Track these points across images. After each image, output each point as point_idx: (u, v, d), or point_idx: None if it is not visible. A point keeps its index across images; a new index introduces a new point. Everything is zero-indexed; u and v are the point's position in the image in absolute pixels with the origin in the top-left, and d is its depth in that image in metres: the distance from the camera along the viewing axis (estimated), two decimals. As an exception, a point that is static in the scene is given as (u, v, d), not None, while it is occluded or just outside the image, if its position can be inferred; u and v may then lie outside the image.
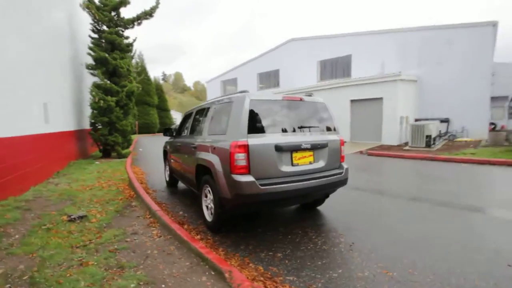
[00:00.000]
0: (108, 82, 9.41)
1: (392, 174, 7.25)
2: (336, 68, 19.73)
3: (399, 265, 2.51)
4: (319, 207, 4.20)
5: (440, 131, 13.99)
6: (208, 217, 3.48)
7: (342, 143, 3.65)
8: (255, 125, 2.98)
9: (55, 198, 4.76)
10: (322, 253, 2.81)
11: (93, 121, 9.27)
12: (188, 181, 4.33)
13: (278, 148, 3.00)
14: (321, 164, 3.34)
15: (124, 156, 10.24)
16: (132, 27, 9.76)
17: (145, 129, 26.47)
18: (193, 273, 2.35)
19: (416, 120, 15.15)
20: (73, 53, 9.03)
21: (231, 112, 3.12)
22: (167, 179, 5.99)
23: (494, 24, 14.08)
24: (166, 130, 5.51)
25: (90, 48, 9.12)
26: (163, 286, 2.17)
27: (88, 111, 9.59)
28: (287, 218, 3.88)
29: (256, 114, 3.02)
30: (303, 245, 2.99)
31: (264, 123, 3.05)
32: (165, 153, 6.18)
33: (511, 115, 20.33)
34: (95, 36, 9.60)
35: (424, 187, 5.46)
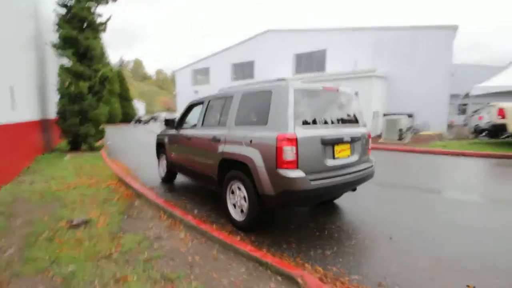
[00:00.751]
0: (80, 65, 8.29)
1: (382, 165, 7.59)
2: (311, 62, 20.07)
3: (446, 250, 2.56)
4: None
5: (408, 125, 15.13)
6: (238, 216, 3.22)
7: (370, 136, 3.63)
8: (299, 116, 2.79)
9: (38, 200, 4.05)
10: (369, 248, 2.76)
11: (61, 109, 8.13)
12: (202, 177, 3.97)
13: (324, 141, 2.85)
14: (356, 157, 3.28)
15: (97, 149, 9.24)
16: (106, 2, 8.67)
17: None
18: (256, 280, 2.12)
19: (385, 114, 16.14)
20: (35, 31, 7.74)
21: (272, 102, 2.87)
22: (163, 175, 5.50)
23: (454, 28, 15.45)
24: (168, 121, 5.00)
25: (58, 25, 7.91)
26: (232, 298, 1.92)
27: (53, 98, 8.39)
28: (305, 214, 3.76)
29: (300, 105, 2.82)
30: (345, 241, 2.91)
31: (308, 114, 2.87)
32: (160, 146, 5.66)
33: (460, 112, 22.85)
34: (62, 11, 8.33)
35: (423, 178, 5.80)
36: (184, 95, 28.49)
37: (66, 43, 8.06)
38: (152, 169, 6.64)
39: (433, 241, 2.88)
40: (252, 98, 3.24)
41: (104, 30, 8.90)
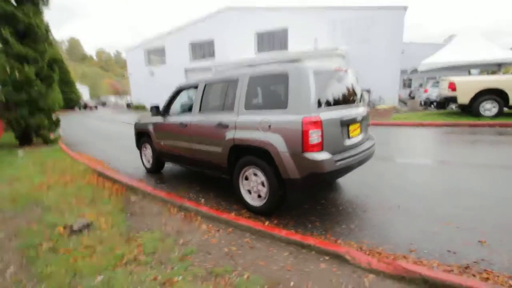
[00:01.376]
0: (23, 46, 6.98)
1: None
2: (273, 41, 19.89)
3: (446, 211, 2.90)
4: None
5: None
6: (255, 201, 3.17)
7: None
8: (319, 98, 2.77)
9: (12, 206, 3.48)
10: (385, 217, 2.97)
11: (4, 99, 6.86)
12: (205, 166, 3.78)
13: (342, 122, 2.91)
14: (363, 136, 3.43)
15: (53, 142, 8.15)
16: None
17: (50, 107, 21.45)
18: (305, 263, 2.16)
19: (346, 91, 17.09)
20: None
21: (290, 85, 2.78)
22: (148, 166, 5.12)
23: (404, 8, 16.57)
24: (155, 108, 4.55)
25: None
26: (292, 283, 1.93)
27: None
28: (310, 192, 3.86)
29: (317, 86, 2.80)
30: (362, 214, 3.09)
31: (325, 96, 2.87)
32: (141, 136, 5.20)
33: (405, 86, 25.26)
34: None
35: (400, 148, 6.35)
36: (137, 76, 26.24)
37: (1, 21, 6.65)
38: (127, 160, 6.15)
39: (430, 204, 3.22)
40: (262, 81, 3.11)
41: (46, 3, 7.54)
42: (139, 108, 26.26)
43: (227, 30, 20.77)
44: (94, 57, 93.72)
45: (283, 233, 2.49)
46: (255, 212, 3.19)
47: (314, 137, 2.63)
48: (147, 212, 3.29)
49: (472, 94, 8.97)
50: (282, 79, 2.88)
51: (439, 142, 7.21)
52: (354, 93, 3.41)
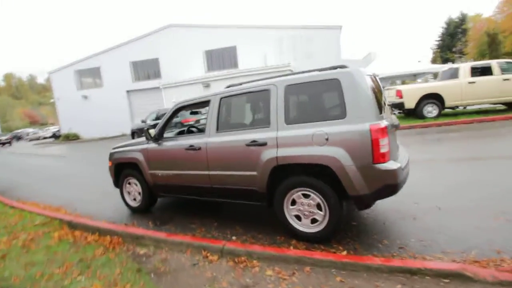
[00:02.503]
0: None
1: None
2: (223, 59, 19.85)
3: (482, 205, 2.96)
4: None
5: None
6: (308, 227, 2.72)
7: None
8: (376, 103, 2.56)
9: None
10: (440, 222, 2.86)
11: None
12: (232, 194, 3.17)
13: (390, 128, 2.74)
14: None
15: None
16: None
17: None
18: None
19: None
20: None
21: (345, 91, 2.50)
22: (135, 204, 4.16)
23: (340, 27, 18.48)
24: (140, 131, 3.70)
25: None
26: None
27: None
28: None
29: (373, 91, 2.60)
30: (415, 223, 2.92)
31: (378, 102, 2.68)
32: (121, 168, 4.24)
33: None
34: None
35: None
36: (67, 101, 22.91)
37: None
38: (95, 201, 4.99)
39: (461, 200, 3.28)
40: (303, 90, 2.77)
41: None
42: (71, 137, 22.77)
43: (173, 48, 19.95)
44: (1, 82, 79.41)
45: (377, 261, 2.12)
46: (309, 240, 2.74)
47: (383, 145, 2.38)
48: (177, 268, 2.51)
49: (417, 99, 10.21)
50: (332, 86, 2.59)
51: (407, 142, 7.85)
52: (385, 98, 3.34)
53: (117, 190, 4.41)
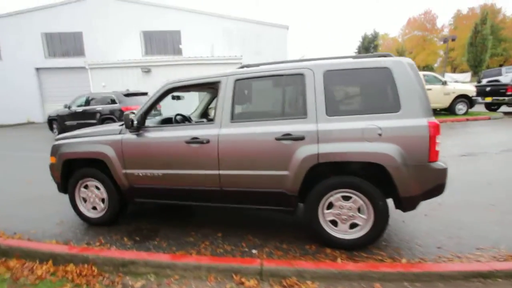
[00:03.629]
0: None
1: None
2: (164, 43, 17.94)
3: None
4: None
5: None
6: (345, 233, 2.41)
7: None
8: None
9: None
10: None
11: None
12: (251, 198, 2.58)
13: None
14: None
15: None
16: None
17: None
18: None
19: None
20: None
21: (398, 82, 2.25)
22: (97, 214, 3.11)
23: (287, 27, 18.92)
24: (124, 116, 2.71)
25: None
26: None
27: None
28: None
29: None
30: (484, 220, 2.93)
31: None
32: (74, 166, 3.12)
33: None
34: None
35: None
36: None
37: None
38: (15, 214, 3.62)
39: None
40: (346, 77, 2.41)
41: None
42: None
43: (102, 23, 16.98)
44: None
45: (450, 267, 1.94)
46: (346, 247, 2.43)
47: (438, 143, 2.24)
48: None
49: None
50: (381, 75, 2.32)
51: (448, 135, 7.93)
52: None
53: (52, 195, 3.28)
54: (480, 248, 2.40)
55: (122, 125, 3.16)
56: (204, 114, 4.35)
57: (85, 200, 3.18)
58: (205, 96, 4.27)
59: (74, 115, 10.09)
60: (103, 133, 3.02)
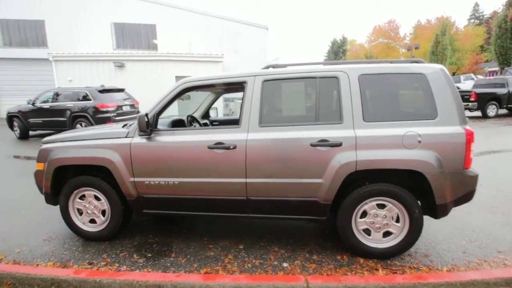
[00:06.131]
0: None
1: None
2: (138, 37, 16.94)
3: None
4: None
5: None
6: (379, 242, 2.35)
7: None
8: None
9: None
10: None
11: None
12: (280, 208, 2.41)
13: None
14: None
15: None
16: None
17: None
18: None
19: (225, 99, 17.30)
20: None
21: (433, 88, 2.22)
22: (97, 228, 2.72)
23: (266, 28, 18.89)
24: (140, 118, 2.36)
25: None
26: None
27: None
28: None
29: None
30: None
31: None
32: (67, 173, 2.71)
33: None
34: None
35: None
36: None
37: None
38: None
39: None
40: (381, 82, 2.33)
41: None
42: None
43: (67, 11, 15.55)
44: None
45: (489, 275, 1.95)
46: (380, 256, 2.37)
47: (472, 150, 2.27)
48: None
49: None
50: (417, 81, 2.29)
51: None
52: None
53: (29, 202, 2.86)
54: (501, 251, 2.48)
55: (124, 126, 2.83)
56: (206, 115, 4.09)
57: (80, 212, 2.78)
58: (208, 96, 4.00)
59: (39, 112, 9.06)
60: (105, 136, 2.65)
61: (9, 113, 9.49)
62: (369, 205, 2.32)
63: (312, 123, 2.35)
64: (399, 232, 2.34)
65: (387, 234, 2.37)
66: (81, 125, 8.79)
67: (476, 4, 51.67)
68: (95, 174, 2.70)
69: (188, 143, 2.46)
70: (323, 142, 2.25)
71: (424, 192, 2.31)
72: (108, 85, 10.13)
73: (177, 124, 3.12)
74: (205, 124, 3.85)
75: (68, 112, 8.81)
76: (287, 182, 2.34)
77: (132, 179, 2.55)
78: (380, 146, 2.22)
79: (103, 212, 2.73)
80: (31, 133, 9.69)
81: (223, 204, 2.51)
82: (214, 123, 4.12)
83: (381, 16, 79.30)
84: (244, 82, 2.47)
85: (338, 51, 59.21)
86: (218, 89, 3.53)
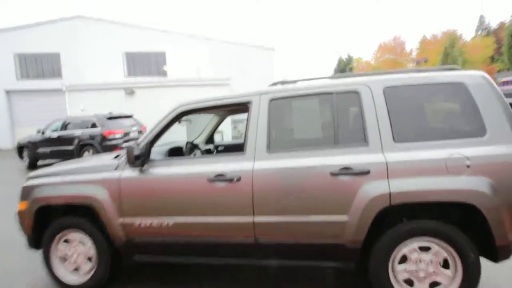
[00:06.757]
0: None
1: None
2: (148, 65, 17.40)
3: None
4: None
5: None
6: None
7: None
8: None
9: None
10: None
11: None
12: (298, 253, 1.97)
13: None
14: None
15: None
16: None
17: None
18: None
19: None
20: None
21: (478, 100, 1.81)
22: (83, 278, 2.31)
23: (273, 49, 19.14)
24: (128, 148, 2.04)
25: None
26: None
27: None
28: None
29: None
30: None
31: None
32: (50, 214, 2.38)
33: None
34: None
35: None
36: None
37: None
38: None
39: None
40: (411, 94, 1.94)
41: None
42: None
43: (82, 44, 16.24)
44: None
45: None
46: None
47: (535, 174, 1.79)
48: None
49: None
50: (455, 91, 1.89)
51: None
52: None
53: (9, 240, 2.46)
54: None
55: (116, 157, 2.50)
56: (210, 140, 3.77)
57: (64, 259, 2.40)
58: (212, 119, 3.70)
59: (48, 141, 9.04)
60: (92, 169, 2.33)
61: (18, 143, 9.56)
62: (409, 247, 1.84)
63: (331, 147, 1.96)
64: (449, 283, 1.83)
65: (434, 284, 1.86)
66: (88, 153, 8.68)
67: (482, 17, 51.55)
68: (84, 213, 2.35)
69: (185, 176, 2.10)
70: (346, 170, 1.84)
71: (479, 229, 1.83)
72: (117, 112, 10.14)
73: (175, 152, 2.78)
74: (208, 151, 3.51)
75: (76, 141, 8.75)
76: (304, 220, 1.91)
77: (120, 219, 2.18)
78: (418, 173, 1.78)
79: (90, 259, 2.34)
80: (39, 162, 9.64)
81: (227, 248, 2.08)
82: (219, 148, 3.78)
83: (384, 33, 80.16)
84: (248, 103, 2.13)
85: (344, 69, 59.58)
86: (221, 111, 3.23)
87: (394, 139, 1.86)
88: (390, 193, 1.77)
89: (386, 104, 1.92)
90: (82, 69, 16.12)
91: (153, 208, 2.13)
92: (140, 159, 2.11)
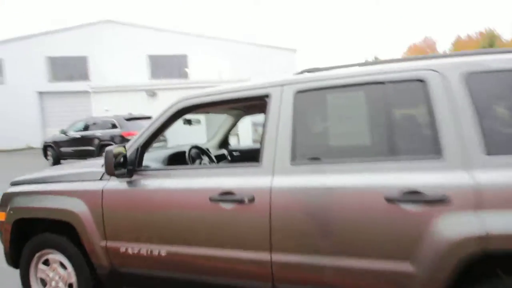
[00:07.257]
0: None
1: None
2: (171, 67, 17.49)
3: None
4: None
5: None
6: None
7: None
8: None
9: None
10: None
11: None
12: None
13: None
14: None
15: None
16: None
17: None
18: None
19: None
20: None
21: None
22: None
23: (295, 50, 18.53)
24: (106, 152, 1.59)
25: None
26: None
27: None
28: None
29: None
30: None
31: None
32: (28, 232, 1.99)
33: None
34: None
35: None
36: None
37: None
38: None
39: None
40: (502, 81, 1.31)
41: None
42: None
43: (108, 48, 16.66)
44: None
45: None
46: None
47: None
48: None
49: None
50: None
51: None
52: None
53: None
54: None
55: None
56: (224, 144, 3.28)
57: (44, 282, 2.00)
58: (225, 119, 3.21)
59: (71, 141, 9.14)
60: (75, 177, 1.90)
61: (45, 143, 9.77)
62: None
63: (384, 159, 1.36)
64: None
65: None
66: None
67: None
68: (66, 230, 1.94)
69: (180, 192, 1.60)
70: (412, 196, 1.23)
71: None
72: (136, 113, 10.08)
73: (177, 158, 2.30)
74: (221, 157, 3.01)
75: (97, 141, 8.76)
76: (342, 265, 1.32)
77: (103, 242, 1.73)
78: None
79: (71, 286, 1.92)
80: (62, 162, 9.78)
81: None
82: (235, 153, 3.28)
83: (415, 34, 76.14)
84: (266, 96, 1.59)
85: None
86: (234, 111, 2.72)
87: (485, 151, 1.23)
88: (487, 234, 1.14)
89: (471, 98, 1.29)
90: (108, 71, 16.53)
91: (140, 231, 1.65)
92: (126, 168, 1.65)
